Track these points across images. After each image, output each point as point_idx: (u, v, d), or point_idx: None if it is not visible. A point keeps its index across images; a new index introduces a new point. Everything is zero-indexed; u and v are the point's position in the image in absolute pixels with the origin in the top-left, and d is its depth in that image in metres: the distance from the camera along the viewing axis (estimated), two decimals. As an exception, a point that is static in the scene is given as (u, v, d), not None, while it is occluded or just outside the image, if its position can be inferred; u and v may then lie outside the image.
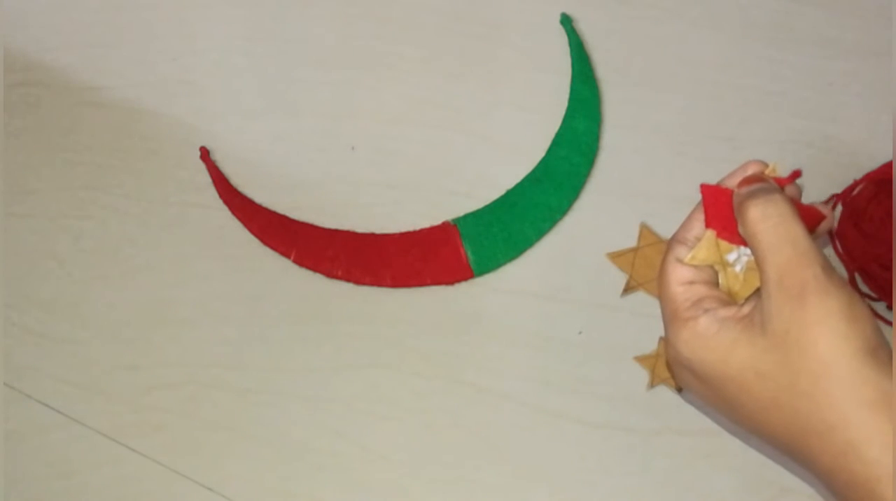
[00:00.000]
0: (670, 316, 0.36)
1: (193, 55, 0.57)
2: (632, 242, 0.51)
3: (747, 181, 0.36)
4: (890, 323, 0.50)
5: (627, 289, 0.51)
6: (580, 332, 0.51)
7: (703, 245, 0.37)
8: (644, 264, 0.51)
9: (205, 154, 0.54)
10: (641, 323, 0.50)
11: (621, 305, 0.51)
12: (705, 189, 0.37)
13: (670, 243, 0.38)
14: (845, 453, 0.31)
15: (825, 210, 0.38)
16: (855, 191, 0.51)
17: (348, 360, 0.50)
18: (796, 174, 0.38)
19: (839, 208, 0.51)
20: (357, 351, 0.51)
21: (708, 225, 0.37)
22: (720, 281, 0.37)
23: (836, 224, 0.51)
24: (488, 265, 0.51)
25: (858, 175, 0.51)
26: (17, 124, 0.55)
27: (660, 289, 0.37)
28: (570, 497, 0.48)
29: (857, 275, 0.50)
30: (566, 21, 0.55)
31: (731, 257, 0.37)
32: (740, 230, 0.36)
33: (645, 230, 0.52)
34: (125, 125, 0.55)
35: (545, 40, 0.56)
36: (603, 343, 0.50)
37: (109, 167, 0.54)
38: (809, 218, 0.37)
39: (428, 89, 0.55)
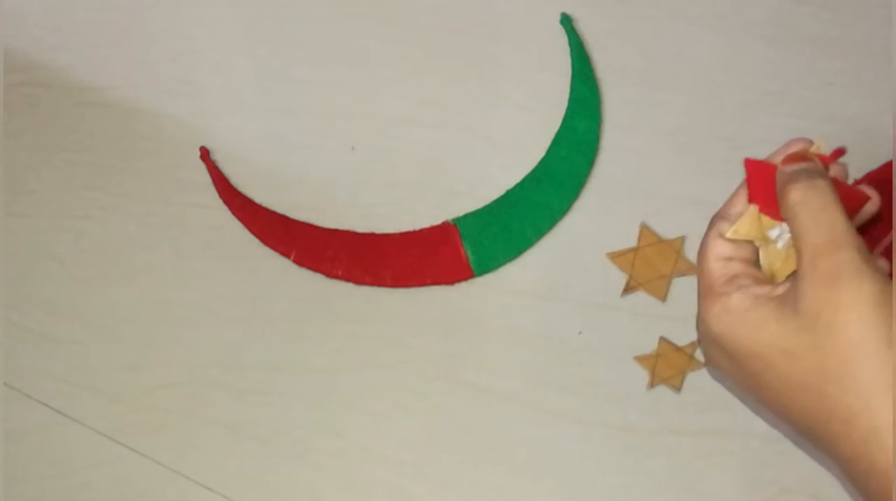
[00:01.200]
0: (705, 291, 0.36)
1: (193, 55, 0.57)
2: (632, 242, 0.51)
3: (792, 159, 0.36)
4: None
5: (627, 289, 0.51)
6: (580, 332, 0.51)
7: (746, 220, 0.37)
8: (644, 264, 0.51)
9: (205, 154, 0.54)
10: (641, 323, 0.50)
11: (621, 305, 0.51)
12: (749, 164, 0.37)
13: (713, 219, 0.38)
14: (867, 440, 0.31)
15: (870, 191, 0.37)
16: None
17: (348, 360, 0.50)
18: (840, 152, 0.38)
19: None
20: (357, 351, 0.51)
21: (751, 200, 0.37)
22: (761, 257, 0.37)
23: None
24: (488, 265, 0.51)
25: (858, 175, 0.51)
26: (17, 124, 0.55)
27: (698, 263, 0.37)
28: (570, 497, 0.48)
29: None
30: (566, 21, 0.55)
31: (774, 233, 0.37)
32: (781, 210, 0.35)
33: (645, 230, 0.52)
34: (125, 125, 0.55)
35: (545, 40, 0.56)
36: (603, 343, 0.50)
37: (109, 167, 0.54)
38: (853, 199, 0.36)
39: (428, 89, 0.55)
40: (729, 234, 0.37)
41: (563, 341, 0.50)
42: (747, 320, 0.34)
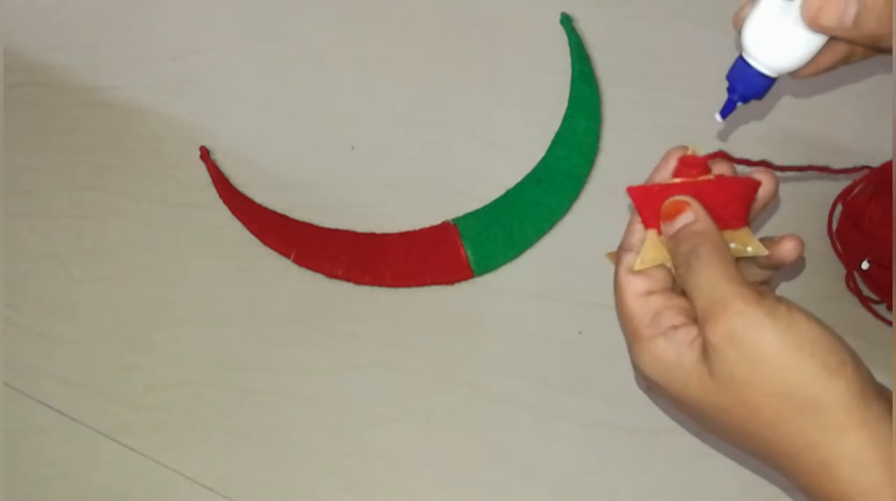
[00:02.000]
0: (631, 334, 0.35)
1: (193, 55, 0.57)
2: (632, 242, 0.51)
3: (668, 214, 0.35)
4: (890, 324, 0.50)
5: (627, 289, 0.51)
6: (580, 332, 0.51)
7: (648, 247, 0.36)
8: (644, 264, 0.51)
9: (205, 154, 0.54)
10: (641, 323, 0.50)
11: (621, 305, 0.51)
12: (633, 191, 0.36)
13: (618, 254, 0.37)
14: (819, 473, 0.31)
15: (761, 176, 0.36)
16: (855, 191, 0.51)
17: (348, 360, 0.50)
18: (718, 154, 0.37)
19: (839, 208, 0.51)
20: (357, 351, 0.51)
21: (647, 226, 0.36)
22: (675, 273, 0.36)
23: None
24: (488, 265, 0.51)
25: (858, 175, 0.51)
26: (17, 124, 0.55)
27: (617, 304, 0.36)
28: (570, 497, 0.48)
29: (856, 275, 0.50)
30: (566, 21, 0.55)
31: None
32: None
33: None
34: (125, 125, 0.55)
35: (545, 40, 0.56)
36: (603, 343, 0.50)
37: (109, 167, 0.54)
38: (745, 189, 0.36)
39: (428, 89, 0.55)
40: (636, 266, 0.36)
41: (563, 341, 0.50)
42: (676, 373, 0.33)
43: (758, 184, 0.36)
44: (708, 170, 0.36)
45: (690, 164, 0.36)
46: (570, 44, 0.55)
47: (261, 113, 0.55)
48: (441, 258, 0.51)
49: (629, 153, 0.54)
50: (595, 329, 0.50)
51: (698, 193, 0.35)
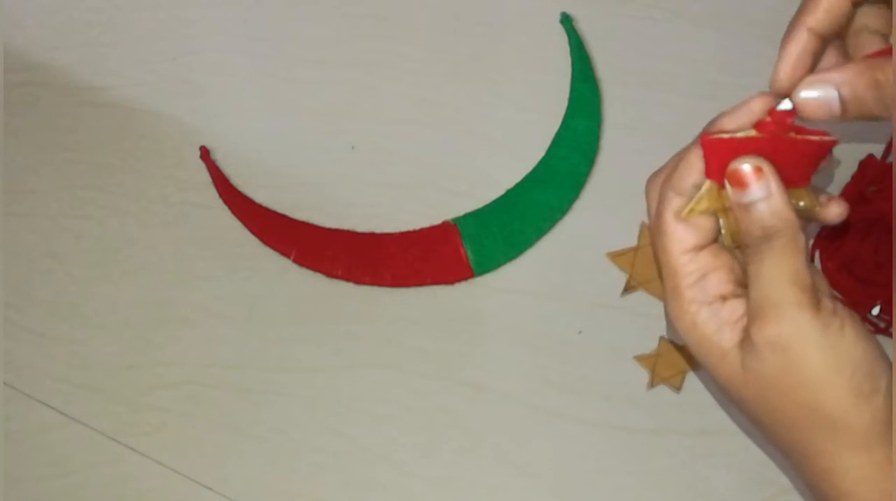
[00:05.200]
0: (671, 288, 0.33)
1: (193, 55, 0.57)
2: (632, 242, 0.51)
3: (737, 181, 0.32)
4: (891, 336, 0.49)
5: (627, 289, 0.51)
6: (580, 332, 0.51)
7: (704, 196, 0.34)
8: (644, 264, 0.51)
9: (205, 154, 0.54)
10: (641, 323, 0.50)
11: (621, 305, 0.51)
12: (707, 143, 0.34)
13: (663, 191, 0.34)
14: (822, 478, 0.32)
15: (829, 137, 0.34)
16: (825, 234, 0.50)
17: (348, 360, 0.50)
18: (818, 132, 0.34)
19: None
20: (357, 351, 0.51)
21: (708, 176, 0.34)
22: (721, 224, 0.34)
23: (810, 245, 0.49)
24: (488, 265, 0.51)
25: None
26: (17, 124, 0.55)
27: (659, 253, 0.34)
28: (570, 496, 0.48)
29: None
30: (566, 21, 0.55)
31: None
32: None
33: (645, 229, 0.52)
34: (125, 125, 0.55)
35: (545, 40, 0.56)
36: (603, 343, 0.50)
37: (109, 167, 0.54)
38: (818, 152, 0.34)
39: (428, 89, 0.55)
40: (685, 214, 0.34)
41: (563, 341, 0.50)
42: (712, 350, 0.33)
43: (833, 144, 0.34)
44: (792, 128, 0.34)
45: (780, 122, 0.33)
46: (570, 44, 0.55)
47: (261, 113, 0.55)
48: (441, 258, 0.51)
49: (629, 153, 0.54)
50: (595, 329, 0.50)
51: (773, 152, 0.33)
